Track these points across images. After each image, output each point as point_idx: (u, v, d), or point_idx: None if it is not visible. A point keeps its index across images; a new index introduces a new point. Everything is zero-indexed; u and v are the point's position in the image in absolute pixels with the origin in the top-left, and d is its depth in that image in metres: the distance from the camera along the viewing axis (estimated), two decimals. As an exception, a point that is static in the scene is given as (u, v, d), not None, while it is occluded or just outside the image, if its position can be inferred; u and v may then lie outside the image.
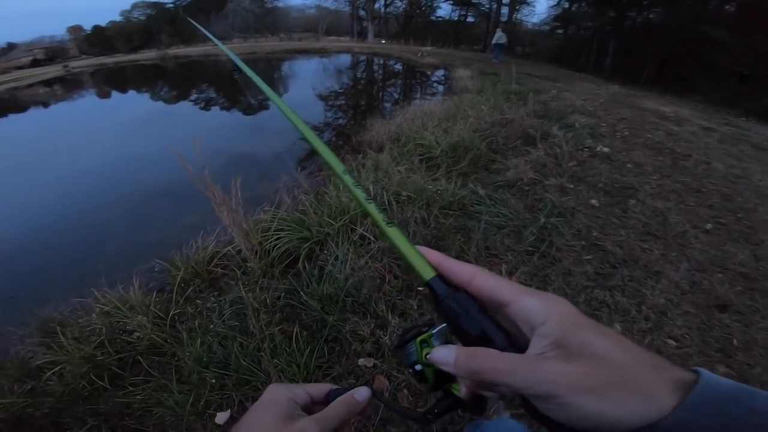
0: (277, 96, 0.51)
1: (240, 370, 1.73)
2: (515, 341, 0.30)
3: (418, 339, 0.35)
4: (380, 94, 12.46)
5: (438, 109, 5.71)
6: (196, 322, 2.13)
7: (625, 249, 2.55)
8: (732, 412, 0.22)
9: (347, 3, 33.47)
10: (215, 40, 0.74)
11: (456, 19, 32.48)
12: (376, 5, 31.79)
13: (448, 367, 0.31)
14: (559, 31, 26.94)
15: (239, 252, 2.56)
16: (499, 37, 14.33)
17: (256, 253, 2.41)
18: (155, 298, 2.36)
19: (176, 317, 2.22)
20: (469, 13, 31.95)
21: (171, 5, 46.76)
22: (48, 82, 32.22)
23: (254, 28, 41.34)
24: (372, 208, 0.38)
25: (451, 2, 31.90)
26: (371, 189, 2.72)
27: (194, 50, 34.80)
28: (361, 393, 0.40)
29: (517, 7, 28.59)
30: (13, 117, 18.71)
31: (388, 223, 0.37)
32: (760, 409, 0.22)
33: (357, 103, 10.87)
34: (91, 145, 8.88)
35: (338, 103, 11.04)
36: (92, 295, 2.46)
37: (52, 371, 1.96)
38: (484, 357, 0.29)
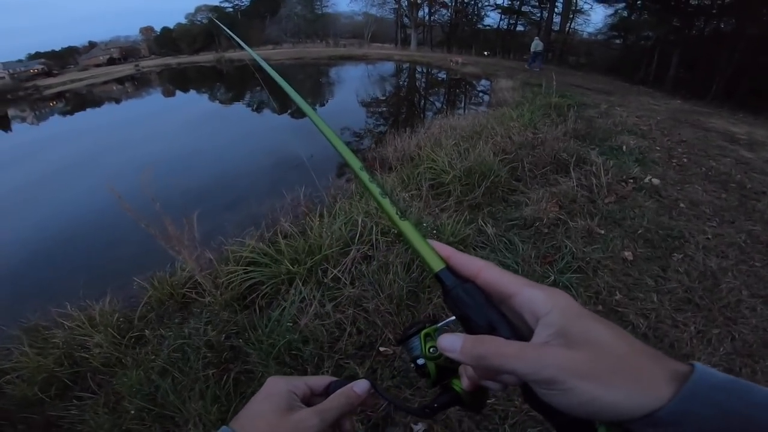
0: (296, 93, 0.52)
1: (166, 406, 1.70)
2: (519, 332, 0.31)
3: (423, 333, 0.37)
4: (410, 104, 12.13)
5: (463, 125, 5.29)
6: (149, 348, 2.09)
7: (652, 321, 2.03)
8: (726, 403, 0.23)
9: (392, 11, 33.59)
10: (239, 41, 0.73)
11: (505, 27, 31.44)
12: (420, 13, 31.51)
13: (454, 354, 0.31)
14: (617, 41, 25.23)
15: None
16: (536, 45, 14.60)
17: (220, 285, 2.20)
18: (117, 318, 2.33)
19: (135, 339, 2.22)
20: (518, 22, 30.84)
21: (230, 9, 49.77)
22: (120, 80, 35.46)
23: (305, 33, 42.78)
24: (386, 203, 0.38)
25: (500, 11, 30.98)
26: (359, 220, 2.41)
27: (246, 54, 36.49)
28: (361, 386, 0.41)
29: (571, 16, 27.10)
30: (90, 111, 20.89)
31: (401, 217, 0.38)
32: (754, 401, 0.23)
33: (383, 114, 10.64)
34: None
35: (366, 112, 10.88)
36: (67, 308, 2.50)
37: (15, 375, 2.11)
38: (490, 343, 0.30)
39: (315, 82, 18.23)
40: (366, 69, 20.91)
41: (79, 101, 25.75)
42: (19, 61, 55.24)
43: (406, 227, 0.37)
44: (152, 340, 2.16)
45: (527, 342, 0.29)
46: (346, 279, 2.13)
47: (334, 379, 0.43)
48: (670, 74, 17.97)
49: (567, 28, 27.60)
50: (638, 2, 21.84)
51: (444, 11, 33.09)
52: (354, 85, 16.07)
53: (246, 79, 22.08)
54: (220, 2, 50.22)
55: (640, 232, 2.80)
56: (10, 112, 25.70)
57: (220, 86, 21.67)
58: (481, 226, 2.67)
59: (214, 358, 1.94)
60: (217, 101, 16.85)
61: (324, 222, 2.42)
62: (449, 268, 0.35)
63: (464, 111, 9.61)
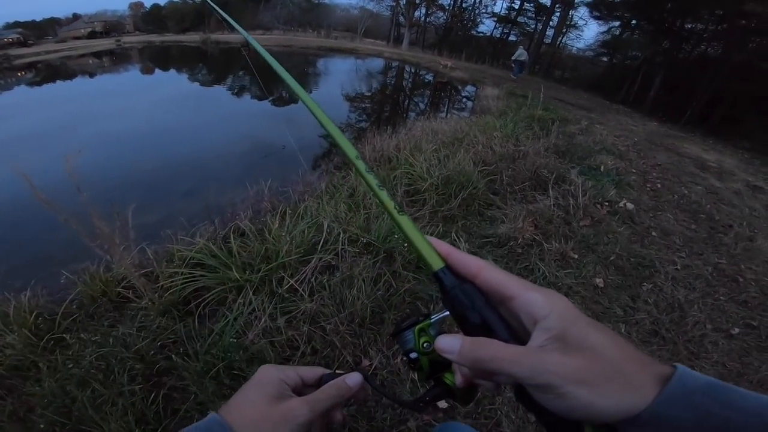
0: (287, 73, 0.50)
1: (83, 421, 1.52)
2: (516, 334, 0.31)
3: (417, 327, 0.37)
4: (394, 103, 11.96)
5: (445, 129, 5.17)
6: (70, 353, 1.85)
7: (619, 353, 1.94)
8: (703, 404, 0.24)
9: (388, 8, 33.29)
10: (228, 17, 0.67)
11: (498, 36, 31.76)
12: (417, 13, 31.38)
13: (452, 356, 0.31)
14: (604, 59, 25.87)
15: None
16: (519, 54, 14.88)
17: (158, 288, 1.96)
18: (35, 317, 2.03)
19: (54, 341, 1.94)
20: (512, 32, 31.20)
21: (225, -10, 48.06)
22: (98, 54, 33.64)
23: (298, 21, 41.88)
24: (384, 195, 0.37)
25: (495, 19, 31.25)
26: (325, 225, 2.21)
27: (234, 37, 35.43)
28: (353, 378, 0.41)
29: (564, 30, 27.61)
30: (59, 83, 19.68)
31: (399, 212, 0.37)
32: (732, 404, 0.24)
33: (367, 110, 10.43)
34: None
35: (349, 106, 10.65)
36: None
37: None
38: (488, 347, 0.30)
39: (300, 72, 17.75)
40: (354, 63, 20.57)
41: (50, 73, 24.18)
42: (-7, 29, 51.52)
43: (405, 222, 0.36)
44: (73, 344, 1.89)
45: (525, 346, 0.29)
46: (304, 291, 1.93)
47: (327, 371, 0.42)
48: (651, 95, 18.57)
49: (558, 42, 28.11)
50: (632, 22, 22.40)
51: (440, 14, 33.10)
52: (340, 78, 15.74)
53: (230, 62, 21.34)
54: (214, -19, 48.40)
55: (612, 258, 2.75)
56: (-27, 79, 23.92)
57: (203, 67, 20.85)
58: (455, 240, 2.53)
59: (144, 370, 1.72)
60: (197, 82, 16.13)
61: (285, 224, 2.21)
62: (448, 266, 0.34)
63: (447, 115, 9.53)
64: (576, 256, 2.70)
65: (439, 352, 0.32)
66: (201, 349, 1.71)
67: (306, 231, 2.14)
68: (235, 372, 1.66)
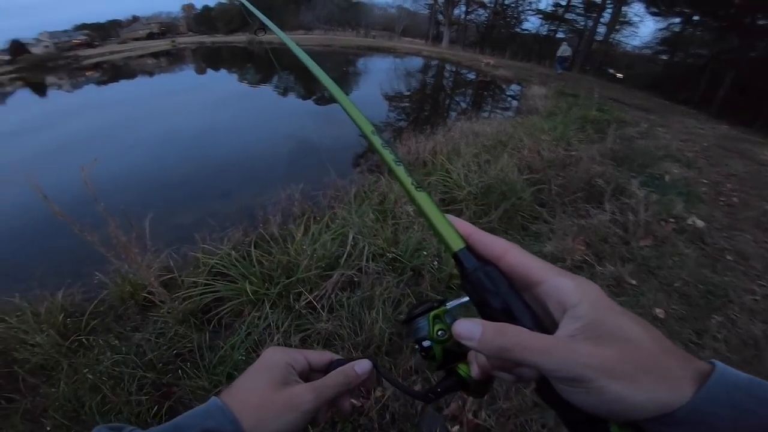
0: (300, 49, 0.50)
1: (88, 426, 1.52)
2: (542, 323, 0.29)
3: (431, 314, 0.35)
4: (434, 102, 11.60)
5: (487, 131, 4.84)
6: (91, 356, 1.86)
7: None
8: (743, 402, 0.23)
9: (426, 6, 32.73)
10: (261, 16, 0.68)
11: (544, 33, 30.24)
12: (456, 11, 30.54)
13: (472, 343, 0.29)
14: (663, 57, 23.83)
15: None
16: (564, 50, 14.98)
17: (178, 297, 1.89)
18: (63, 318, 2.05)
19: (79, 343, 1.97)
20: (559, 29, 29.58)
21: (269, -10, 49.84)
22: (156, 55, 36.21)
23: (337, 21, 42.49)
24: (400, 170, 0.35)
25: (541, 16, 29.76)
26: (350, 237, 2.04)
27: (278, 38, 36.58)
28: (362, 365, 0.39)
29: (617, 27, 25.75)
30: (122, 82, 21.48)
31: (417, 188, 0.35)
32: None
33: (406, 109, 10.18)
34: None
35: (388, 105, 10.47)
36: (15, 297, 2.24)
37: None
38: (514, 334, 0.27)
39: (340, 71, 17.89)
40: (393, 62, 20.41)
41: (114, 72, 26.38)
42: (65, 31, 56.95)
43: (423, 199, 0.34)
44: (95, 347, 1.90)
45: (553, 335, 0.27)
46: (322, 308, 1.78)
47: (336, 356, 0.41)
48: (720, 96, 16.77)
49: (611, 39, 26.29)
50: (694, 18, 20.53)
51: (482, 11, 32.03)
52: (379, 77, 15.66)
53: (277, 63, 21.95)
54: (260, -17, 50.37)
55: (676, 285, 2.36)
56: (49, 79, 26.60)
57: (250, 67, 21.63)
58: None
59: (155, 379, 1.68)
60: (245, 82, 16.80)
61: (309, 234, 2.06)
62: (469, 248, 0.32)
63: (490, 115, 9.11)
64: (634, 282, 2.35)
65: (457, 338, 0.30)
66: (209, 364, 1.65)
67: (329, 243, 1.98)
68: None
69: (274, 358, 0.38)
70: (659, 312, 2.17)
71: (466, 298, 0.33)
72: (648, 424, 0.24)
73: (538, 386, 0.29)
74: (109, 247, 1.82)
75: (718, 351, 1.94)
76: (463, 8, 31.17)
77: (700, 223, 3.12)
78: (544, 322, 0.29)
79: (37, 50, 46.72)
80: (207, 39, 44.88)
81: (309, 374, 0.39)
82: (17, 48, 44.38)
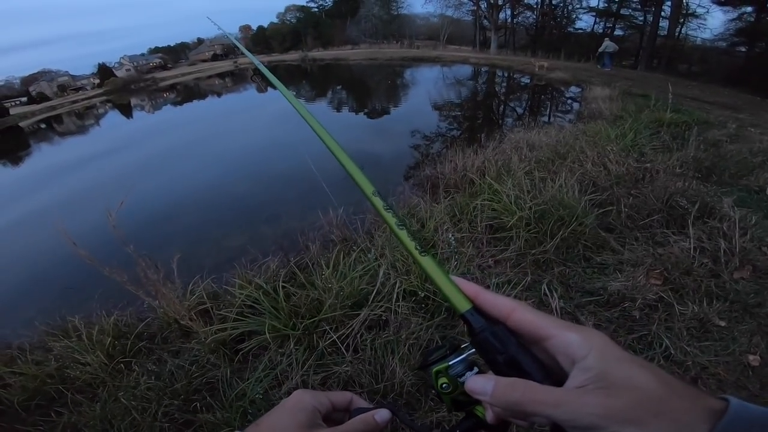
0: (297, 101, 0.52)
1: None
2: (553, 375, 0.30)
3: (434, 369, 0.35)
4: (486, 110, 11.11)
5: (544, 142, 4.44)
6: (131, 378, 1.93)
7: None
8: None
9: (469, 12, 32.02)
10: (241, 47, 0.78)
11: (600, 31, 28.16)
12: (501, 15, 29.47)
13: (485, 398, 0.31)
14: (741, 48, 21.08)
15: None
16: (607, 46, 15.07)
17: (209, 332, 1.86)
18: (111, 342, 2.14)
19: (123, 366, 2.03)
20: (616, 26, 27.38)
21: (315, 9, 52.27)
22: (222, 75, 39.65)
23: (381, 34, 43.27)
24: (403, 235, 0.37)
25: (594, 14, 27.79)
26: (380, 273, 1.88)
27: (327, 54, 38.12)
28: (382, 415, 0.41)
29: (681, 20, 23.26)
30: (195, 102, 23.85)
31: (421, 252, 0.36)
32: None
33: (457, 119, 9.85)
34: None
35: (438, 116, 10.22)
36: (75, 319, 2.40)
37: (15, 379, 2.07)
38: (525, 389, 0.29)
39: (387, 84, 18.05)
40: (440, 71, 20.14)
41: (187, 93, 29.36)
42: (142, 54, 64.51)
43: (428, 264, 0.36)
44: (135, 370, 1.97)
45: (564, 387, 0.28)
46: (346, 348, 1.67)
47: (357, 398, 0.43)
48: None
49: (677, 33, 23.78)
50: (769, 4, 17.95)
51: (528, 13, 30.67)
52: (426, 87, 15.51)
53: (327, 79, 22.85)
54: (307, 2, 52.89)
55: None
56: (133, 100, 30.24)
57: (305, 84, 22.68)
58: (545, 293, 1.97)
59: (181, 406, 1.68)
60: (302, 98, 17.69)
61: (339, 269, 1.94)
62: (476, 308, 0.34)
63: (549, 119, 8.53)
64: (723, 324, 1.91)
65: (470, 393, 0.32)
66: (228, 398, 1.62)
67: (357, 280, 1.85)
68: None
69: (303, 401, 0.39)
70: (753, 359, 1.74)
71: (471, 351, 0.34)
72: None
73: (552, 429, 0.29)
74: (139, 285, 1.86)
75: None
76: (509, 12, 30.08)
77: (816, 251, 2.51)
78: (555, 374, 0.30)
79: (120, 73, 53.22)
80: (264, 58, 48.07)
81: (331, 413, 0.41)
82: (105, 71, 50.74)
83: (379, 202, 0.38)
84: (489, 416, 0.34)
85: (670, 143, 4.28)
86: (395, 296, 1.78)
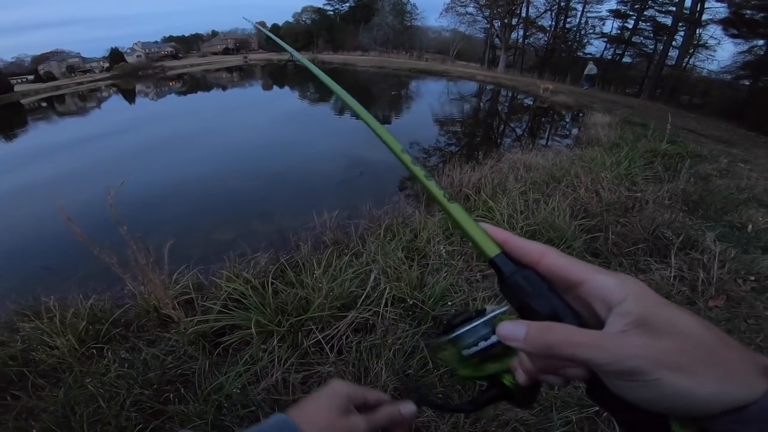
0: (329, 78, 0.54)
1: None
2: (587, 322, 0.28)
3: (458, 333, 0.34)
4: (486, 128, 11.25)
5: (540, 164, 4.53)
6: (101, 365, 1.89)
7: None
8: None
9: (482, 30, 32.52)
10: (274, 37, 0.76)
11: (609, 57, 28.75)
12: (513, 35, 29.97)
13: (517, 343, 0.29)
14: (745, 82, 21.51)
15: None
16: (590, 69, 16.49)
17: (189, 322, 1.88)
18: (85, 326, 2.09)
19: (95, 351, 2.00)
20: (626, 53, 27.96)
21: (331, 12, 52.80)
22: (230, 69, 39.75)
23: (393, 43, 43.71)
24: (432, 185, 0.36)
25: (606, 40, 28.38)
26: (371, 277, 1.91)
27: (337, 57, 38.41)
28: (408, 408, 0.42)
29: (691, 51, 23.74)
30: (199, 94, 23.84)
31: (449, 200, 0.35)
32: None
33: (457, 134, 9.97)
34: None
35: (438, 129, 10.34)
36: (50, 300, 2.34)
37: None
38: (561, 330, 0.27)
39: (392, 94, 18.23)
40: (446, 85, 20.40)
41: (193, 84, 29.38)
42: (155, 42, 64.53)
43: (456, 210, 0.35)
44: (107, 357, 1.93)
45: (601, 331, 0.26)
46: (331, 348, 1.70)
47: (391, 400, 0.44)
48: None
49: (684, 64, 24.27)
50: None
51: (541, 35, 31.24)
52: (429, 99, 15.70)
53: (335, 82, 22.91)
54: (323, 4, 53.42)
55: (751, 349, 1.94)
56: (138, 86, 30.21)
57: (311, 86, 22.85)
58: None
59: (152, 396, 1.67)
60: (306, 100, 17.79)
61: (329, 271, 1.98)
62: (505, 253, 0.32)
63: (547, 142, 8.66)
64: None
65: (503, 340, 0.30)
66: (205, 390, 1.62)
67: (348, 283, 1.88)
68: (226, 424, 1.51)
69: (340, 389, 0.41)
70: None
71: (495, 312, 0.34)
72: (715, 423, 0.22)
73: (589, 387, 0.28)
74: (127, 269, 1.86)
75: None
76: (521, 32, 30.62)
77: (787, 283, 2.60)
78: (589, 321, 0.28)
79: (131, 59, 53.13)
80: (275, 56, 48.23)
81: (362, 409, 0.42)
82: (116, 56, 50.65)
83: (407, 158, 0.38)
84: (520, 376, 0.33)
85: (663, 174, 4.38)
86: (384, 301, 1.82)
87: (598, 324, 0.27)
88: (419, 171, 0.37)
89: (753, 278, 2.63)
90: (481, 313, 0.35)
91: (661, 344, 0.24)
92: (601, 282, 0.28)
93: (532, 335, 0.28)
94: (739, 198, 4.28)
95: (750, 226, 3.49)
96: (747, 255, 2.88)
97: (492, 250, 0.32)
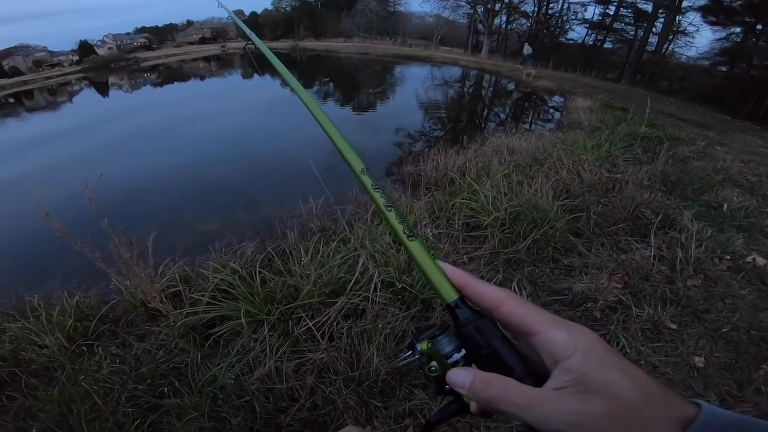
0: (291, 75, 0.50)
1: None
2: (535, 370, 0.30)
3: (422, 342, 0.34)
4: (470, 113, 11.26)
5: (524, 147, 4.57)
6: (93, 362, 1.87)
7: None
8: None
9: (465, 15, 32.30)
10: (237, 19, 0.69)
11: (591, 43, 29.00)
12: (497, 20, 29.91)
13: (463, 390, 0.31)
14: (722, 68, 22.08)
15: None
16: (526, 50, 17.19)
17: (179, 315, 1.86)
18: (73, 323, 2.06)
19: (85, 349, 1.97)
20: (607, 39, 28.25)
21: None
22: (208, 59, 38.54)
23: (376, 29, 43.04)
24: (392, 217, 0.35)
25: (587, 26, 28.58)
26: (360, 262, 1.93)
27: (319, 45, 37.63)
28: None
29: (671, 37, 24.14)
30: (176, 84, 23.06)
31: (409, 236, 0.34)
32: None
33: (441, 119, 9.95)
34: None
35: (423, 115, 10.30)
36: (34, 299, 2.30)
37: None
38: (500, 386, 0.29)
39: (377, 80, 18.02)
40: (430, 71, 20.26)
41: (169, 75, 28.42)
42: (127, 33, 61.96)
43: (416, 249, 0.34)
44: (98, 353, 1.91)
45: (539, 389, 0.28)
46: (322, 335, 1.71)
47: None
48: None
49: (664, 50, 24.70)
50: (758, 27, 18.92)
51: (524, 21, 31.25)
52: (414, 85, 15.60)
53: (316, 69, 22.59)
54: (304, -10, 51.95)
55: (724, 330, 2.05)
56: (111, 79, 29.05)
57: (293, 73, 22.40)
58: (514, 292, 2.07)
59: (147, 391, 1.66)
60: (288, 87, 17.46)
61: (318, 256, 1.97)
62: (463, 299, 0.33)
63: (530, 126, 8.72)
64: (674, 327, 2.06)
65: (451, 385, 0.32)
66: (199, 383, 1.61)
67: (336, 269, 1.88)
68: (223, 415, 1.51)
69: None
70: (698, 361, 1.90)
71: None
72: None
73: (526, 427, 0.29)
74: (110, 263, 1.82)
75: (759, 407, 1.66)
76: (504, 18, 30.55)
77: (761, 261, 2.71)
78: (539, 369, 0.30)
79: (102, 51, 51.02)
80: (253, 45, 46.85)
81: None
82: (85, 48, 48.53)
83: (368, 181, 0.36)
84: (472, 406, 0.34)
85: (642, 156, 4.48)
86: (373, 286, 1.83)
87: (546, 373, 0.29)
88: (379, 198, 0.35)
89: (729, 257, 2.73)
90: (446, 328, 0.35)
91: (590, 408, 0.26)
92: (552, 337, 0.29)
93: (476, 386, 0.30)
94: (715, 179, 4.42)
95: (725, 206, 3.62)
96: (722, 234, 2.99)
97: (450, 296, 0.32)
